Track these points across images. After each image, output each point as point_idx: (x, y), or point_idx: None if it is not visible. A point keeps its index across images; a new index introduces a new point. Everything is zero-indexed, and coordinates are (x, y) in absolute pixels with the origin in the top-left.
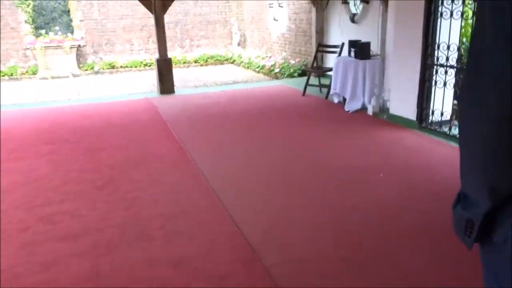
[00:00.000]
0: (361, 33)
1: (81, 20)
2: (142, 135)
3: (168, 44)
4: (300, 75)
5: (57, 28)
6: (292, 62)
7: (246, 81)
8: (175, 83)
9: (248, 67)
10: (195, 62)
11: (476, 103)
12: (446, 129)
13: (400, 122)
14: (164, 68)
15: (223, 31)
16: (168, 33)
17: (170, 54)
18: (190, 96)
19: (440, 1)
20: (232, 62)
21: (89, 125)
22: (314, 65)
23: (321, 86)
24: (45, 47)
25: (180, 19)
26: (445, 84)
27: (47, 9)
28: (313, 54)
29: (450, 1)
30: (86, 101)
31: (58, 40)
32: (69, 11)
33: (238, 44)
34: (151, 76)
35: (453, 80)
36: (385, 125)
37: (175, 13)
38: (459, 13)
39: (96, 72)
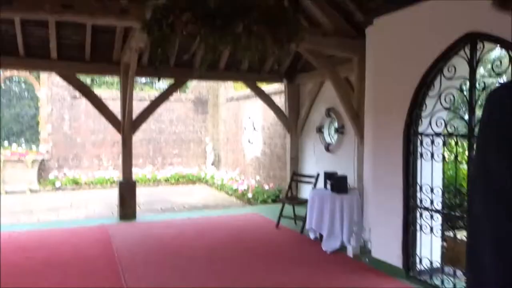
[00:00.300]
0: (336, 163)
1: (49, 134)
2: (84, 281)
3: (139, 161)
4: (274, 201)
5: (22, 140)
6: (266, 187)
7: (217, 205)
8: (141, 204)
9: (220, 189)
10: (166, 181)
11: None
12: (437, 281)
13: (384, 269)
14: (127, 192)
15: (198, 150)
16: (141, 150)
17: (140, 172)
18: (152, 225)
19: (418, 142)
20: (205, 182)
21: (23, 263)
22: (289, 194)
23: (296, 218)
24: (4, 160)
25: (154, 136)
26: (431, 229)
27: (24, 119)
28: (287, 180)
29: (429, 143)
30: (34, 226)
31: (20, 153)
32: (38, 123)
33: (212, 164)
34: (115, 196)
35: (440, 226)
36: (367, 272)
37: (149, 131)
38: (441, 156)
39: (57, 189)
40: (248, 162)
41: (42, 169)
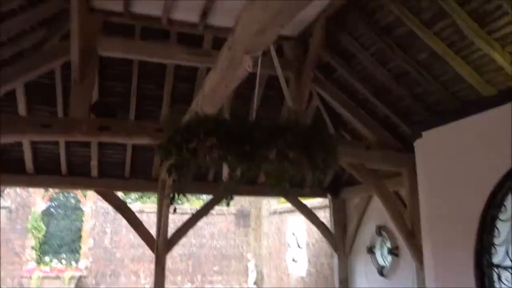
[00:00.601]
0: None
1: (90, 248)
2: None
3: (178, 278)
4: None
5: (63, 255)
6: None
7: None
8: None
9: None
10: None
11: None
12: None
13: None
14: None
15: (239, 267)
16: (180, 266)
17: None
18: None
19: (495, 276)
20: None
21: None
22: None
23: None
24: (42, 276)
25: (194, 251)
26: None
27: (71, 231)
28: None
29: (511, 278)
30: None
31: (59, 269)
32: (80, 237)
33: (254, 283)
34: None
35: None
36: None
37: (189, 245)
38: None
39: None
40: (293, 284)
41: (79, 285)
